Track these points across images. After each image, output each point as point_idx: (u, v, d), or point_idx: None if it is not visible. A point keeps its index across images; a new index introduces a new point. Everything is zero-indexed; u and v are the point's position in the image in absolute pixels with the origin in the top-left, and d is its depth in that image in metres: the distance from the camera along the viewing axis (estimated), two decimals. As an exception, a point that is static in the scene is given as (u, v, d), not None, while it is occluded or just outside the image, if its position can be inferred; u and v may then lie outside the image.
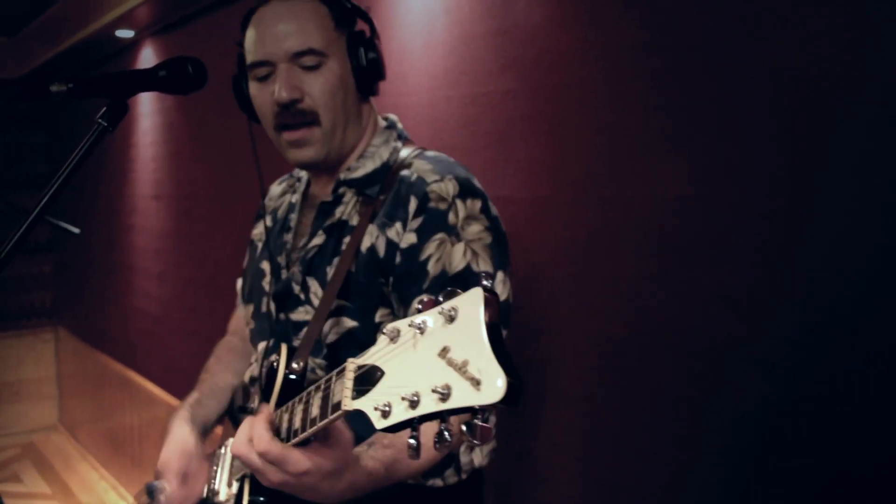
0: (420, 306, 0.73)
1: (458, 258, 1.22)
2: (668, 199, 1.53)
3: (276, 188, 1.59)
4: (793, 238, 1.34)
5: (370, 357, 0.79)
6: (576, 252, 1.72)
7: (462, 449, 1.32)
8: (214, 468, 1.39)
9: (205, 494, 1.38)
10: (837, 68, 1.28)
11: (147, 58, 4.04)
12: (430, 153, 1.35)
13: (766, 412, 1.39)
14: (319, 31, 1.27)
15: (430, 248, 1.23)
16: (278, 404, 1.17)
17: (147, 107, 4.08)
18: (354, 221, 1.30)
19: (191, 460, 1.36)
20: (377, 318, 1.27)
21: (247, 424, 0.99)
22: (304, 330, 1.30)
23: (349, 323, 1.28)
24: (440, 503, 1.32)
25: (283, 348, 1.24)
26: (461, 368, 0.66)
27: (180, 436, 1.38)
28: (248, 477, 1.25)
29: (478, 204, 1.26)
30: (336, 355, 1.29)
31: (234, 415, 1.50)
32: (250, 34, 1.31)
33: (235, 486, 1.28)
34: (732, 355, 1.43)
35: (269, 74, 1.28)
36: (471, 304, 0.68)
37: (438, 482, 1.32)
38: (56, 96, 1.11)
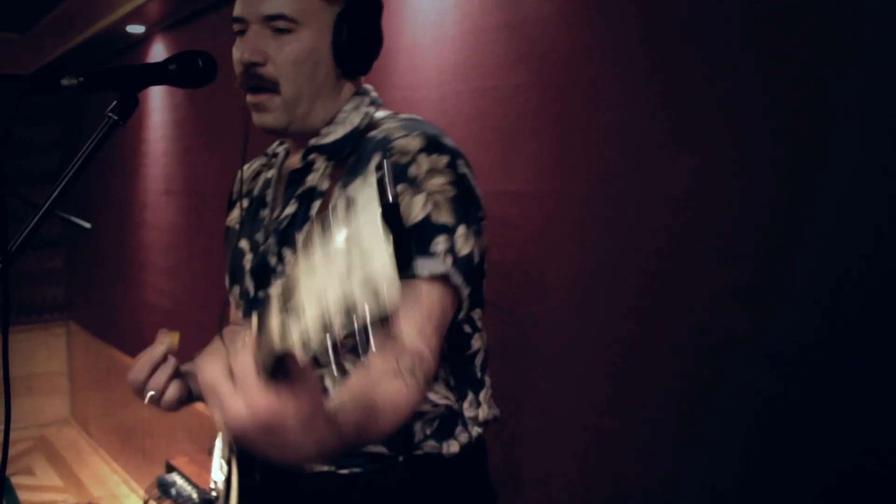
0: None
1: (417, 209, 1.15)
2: (679, 195, 1.52)
3: (247, 170, 1.51)
4: (800, 236, 1.34)
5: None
6: (584, 248, 1.72)
7: (466, 405, 1.29)
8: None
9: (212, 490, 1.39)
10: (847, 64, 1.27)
11: (158, 53, 4.05)
12: (403, 115, 1.31)
13: (776, 410, 1.38)
14: None
15: None
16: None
17: (158, 102, 4.09)
18: (324, 186, 1.27)
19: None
20: None
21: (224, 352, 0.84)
22: None
23: None
24: (443, 473, 1.28)
25: (254, 317, 1.15)
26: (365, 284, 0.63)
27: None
28: (235, 455, 1.24)
29: (444, 159, 1.19)
30: None
31: None
32: None
33: (225, 468, 1.27)
34: (742, 353, 1.42)
35: (243, 32, 1.26)
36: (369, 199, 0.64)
37: (439, 447, 1.26)
38: (67, 90, 1.11)
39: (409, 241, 0.65)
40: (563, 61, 1.75)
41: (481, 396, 1.30)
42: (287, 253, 1.27)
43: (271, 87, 1.24)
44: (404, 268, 0.62)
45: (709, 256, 1.47)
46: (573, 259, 1.74)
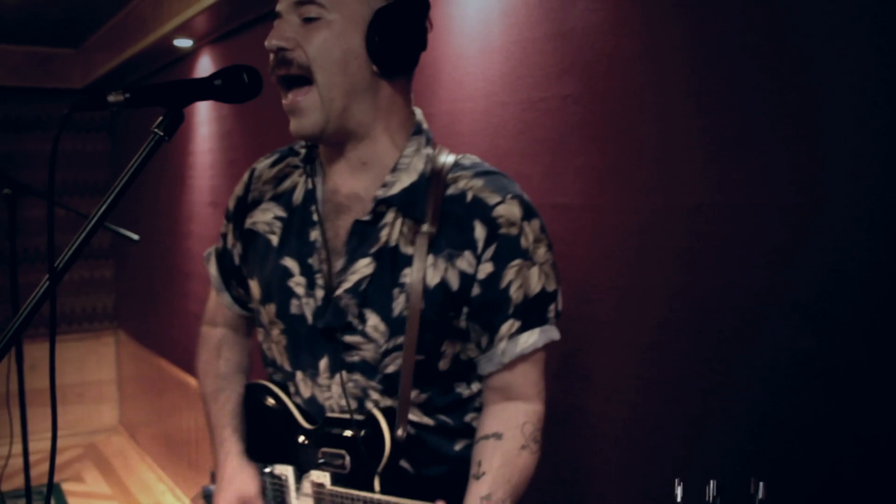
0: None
1: (534, 282, 1.27)
2: (733, 207, 1.47)
3: (266, 170, 1.43)
4: (865, 247, 1.28)
5: None
6: (632, 261, 1.67)
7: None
8: (268, 498, 1.38)
9: None
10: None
11: (205, 66, 4.10)
12: (465, 161, 1.31)
13: (829, 426, 1.32)
14: None
15: (510, 274, 1.25)
16: (383, 472, 1.24)
17: (204, 115, 4.13)
18: (408, 250, 1.25)
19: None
20: (441, 349, 1.28)
21: None
22: (365, 358, 1.28)
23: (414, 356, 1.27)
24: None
25: (378, 414, 1.26)
26: None
27: (242, 483, 1.37)
28: None
29: (538, 223, 1.28)
30: (391, 383, 1.28)
31: (250, 423, 1.44)
32: None
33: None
34: (800, 369, 1.36)
35: None
36: None
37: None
38: (113, 106, 1.11)
39: None
40: (611, 71, 1.71)
41: None
42: (370, 316, 1.26)
43: (303, 73, 1.21)
44: None
45: (767, 271, 1.42)
46: (621, 272, 1.70)
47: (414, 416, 1.29)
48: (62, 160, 5.77)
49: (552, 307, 1.31)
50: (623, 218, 1.69)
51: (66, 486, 5.06)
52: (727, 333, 1.50)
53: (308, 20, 1.21)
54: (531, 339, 1.28)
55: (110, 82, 5.33)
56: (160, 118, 1.16)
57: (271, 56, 1.23)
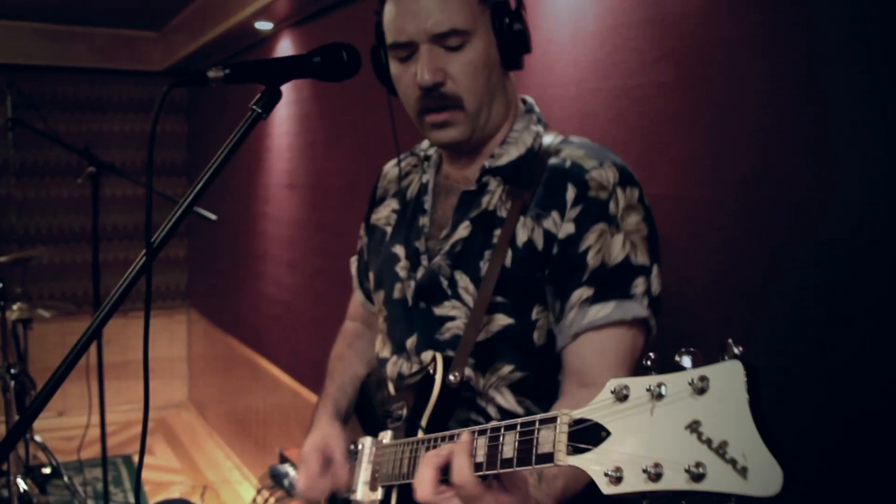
0: (650, 363, 0.69)
1: (616, 250, 1.17)
2: (843, 203, 1.39)
3: (391, 169, 1.52)
4: None
5: (590, 412, 0.75)
6: (726, 254, 1.60)
7: None
8: (351, 466, 1.37)
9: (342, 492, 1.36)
10: None
11: (285, 48, 4.12)
12: (574, 139, 1.30)
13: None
14: (462, 7, 1.20)
15: (590, 238, 1.18)
16: (431, 418, 1.18)
17: (284, 97, 4.15)
18: (503, 213, 1.24)
19: (332, 457, 1.37)
20: (533, 316, 1.22)
21: (441, 451, 0.96)
22: (457, 333, 1.25)
23: (504, 320, 1.22)
24: None
25: (439, 358, 1.20)
26: (719, 449, 0.61)
27: (327, 433, 1.40)
28: (397, 488, 1.21)
29: (636, 192, 1.21)
30: (486, 353, 1.23)
31: (365, 409, 1.47)
32: (389, 9, 1.25)
33: (380, 491, 1.24)
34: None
35: (411, 55, 1.23)
36: (728, 377, 0.63)
37: None
38: (213, 81, 1.10)
39: None
40: (708, 59, 1.64)
41: None
42: (460, 277, 1.25)
43: (455, 104, 1.23)
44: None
45: (879, 268, 1.34)
46: (715, 264, 1.63)
47: (502, 400, 1.24)
48: (140, 141, 5.91)
49: (639, 282, 1.18)
50: (719, 210, 1.62)
51: (137, 458, 5.19)
52: (833, 335, 1.42)
53: (451, 48, 1.21)
54: (603, 311, 1.16)
55: (191, 65, 5.42)
56: (258, 95, 1.15)
57: (417, 91, 1.23)
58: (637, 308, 1.17)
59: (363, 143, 3.26)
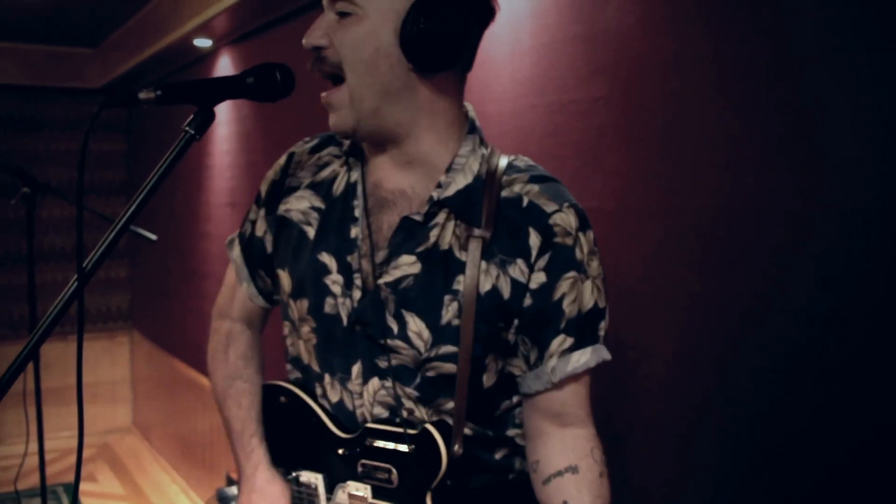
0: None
1: (587, 296, 1.21)
2: (771, 211, 1.43)
3: (306, 156, 1.37)
4: (883, 252, 1.24)
5: None
6: (666, 265, 1.64)
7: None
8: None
9: None
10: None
11: (224, 66, 4.08)
12: (518, 162, 1.26)
13: (849, 426, 1.28)
14: None
15: (564, 286, 1.19)
16: (436, 489, 1.18)
17: (224, 115, 4.12)
18: (462, 256, 1.19)
19: None
20: (486, 361, 1.22)
21: None
22: (405, 364, 1.22)
23: (449, 367, 1.20)
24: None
25: (434, 431, 1.19)
26: None
27: (272, 494, 1.35)
28: None
29: (591, 235, 1.23)
30: (427, 392, 1.22)
31: (274, 430, 1.40)
32: None
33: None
34: (813, 370, 1.33)
35: None
36: None
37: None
38: (144, 103, 1.09)
39: None
40: (645, 73, 1.68)
41: None
42: (411, 319, 1.20)
43: (335, 71, 1.19)
44: None
45: (816, 276, 1.38)
46: (657, 277, 1.67)
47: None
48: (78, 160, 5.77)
49: (603, 324, 1.24)
50: (656, 221, 1.66)
51: (81, 487, 5.05)
52: (779, 338, 1.46)
53: (342, 15, 1.17)
54: (583, 358, 1.21)
55: (128, 82, 5.33)
56: (190, 117, 1.14)
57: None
58: (605, 352, 1.23)
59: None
